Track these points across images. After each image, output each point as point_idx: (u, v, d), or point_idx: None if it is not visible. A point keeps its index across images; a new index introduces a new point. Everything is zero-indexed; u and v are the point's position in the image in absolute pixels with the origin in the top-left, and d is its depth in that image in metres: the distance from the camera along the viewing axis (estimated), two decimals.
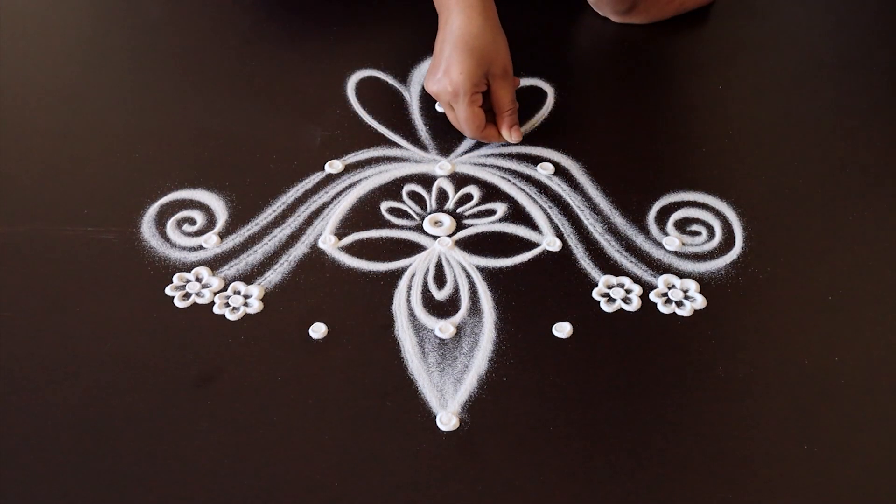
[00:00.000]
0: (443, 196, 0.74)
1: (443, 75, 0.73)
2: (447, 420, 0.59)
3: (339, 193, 0.74)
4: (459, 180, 0.75)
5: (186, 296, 0.66)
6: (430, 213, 0.72)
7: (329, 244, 0.70)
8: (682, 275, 0.68)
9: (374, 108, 0.81)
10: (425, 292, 0.67)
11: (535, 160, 0.77)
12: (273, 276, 0.68)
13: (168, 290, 0.66)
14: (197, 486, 0.56)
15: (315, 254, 0.69)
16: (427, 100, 0.82)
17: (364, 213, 0.72)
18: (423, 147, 0.78)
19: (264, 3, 0.93)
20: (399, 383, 0.61)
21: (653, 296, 0.67)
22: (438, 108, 0.81)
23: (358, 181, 0.75)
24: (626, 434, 0.59)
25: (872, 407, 0.61)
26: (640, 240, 0.71)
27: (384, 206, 0.73)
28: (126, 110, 0.81)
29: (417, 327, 0.64)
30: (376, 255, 0.69)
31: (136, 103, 0.82)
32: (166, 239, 0.70)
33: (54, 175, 0.75)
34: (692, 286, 0.67)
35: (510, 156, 0.77)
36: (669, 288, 0.67)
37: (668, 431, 0.59)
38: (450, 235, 0.71)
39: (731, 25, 0.93)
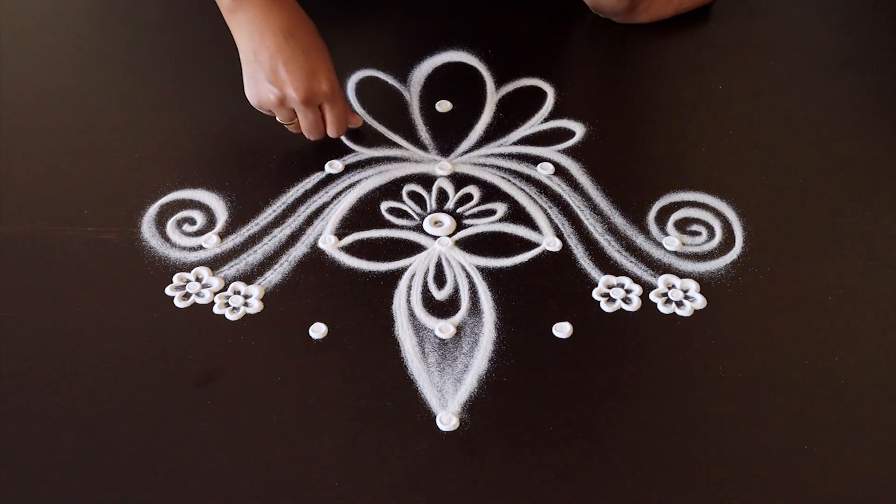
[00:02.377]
0: (443, 196, 0.74)
1: (312, 76, 0.70)
2: (447, 420, 0.59)
3: (339, 193, 0.74)
4: (459, 180, 0.75)
5: (186, 296, 0.66)
6: (430, 213, 0.72)
7: (329, 244, 0.70)
8: (682, 275, 0.68)
9: (374, 108, 0.81)
10: (425, 292, 0.67)
11: (535, 160, 0.77)
12: (273, 276, 0.68)
13: (168, 290, 0.66)
14: (197, 485, 0.56)
15: (315, 254, 0.69)
16: (427, 100, 0.82)
17: (364, 213, 0.72)
18: (423, 147, 0.78)
19: None
20: (399, 383, 0.61)
21: (653, 296, 0.67)
22: (439, 108, 0.81)
23: (358, 181, 0.75)
24: (626, 434, 0.59)
25: (872, 407, 0.61)
26: (640, 240, 0.71)
27: (384, 206, 0.73)
28: (126, 110, 0.81)
29: (417, 327, 0.64)
30: (376, 255, 0.69)
31: (136, 103, 0.82)
32: (166, 239, 0.70)
33: (54, 175, 0.75)
34: (692, 286, 0.67)
35: (510, 156, 0.77)
36: (669, 288, 0.67)
37: (668, 431, 0.59)
38: (450, 235, 0.71)
39: (731, 25, 0.92)
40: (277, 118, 0.74)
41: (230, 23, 0.71)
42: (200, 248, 0.69)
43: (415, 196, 0.74)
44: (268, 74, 0.70)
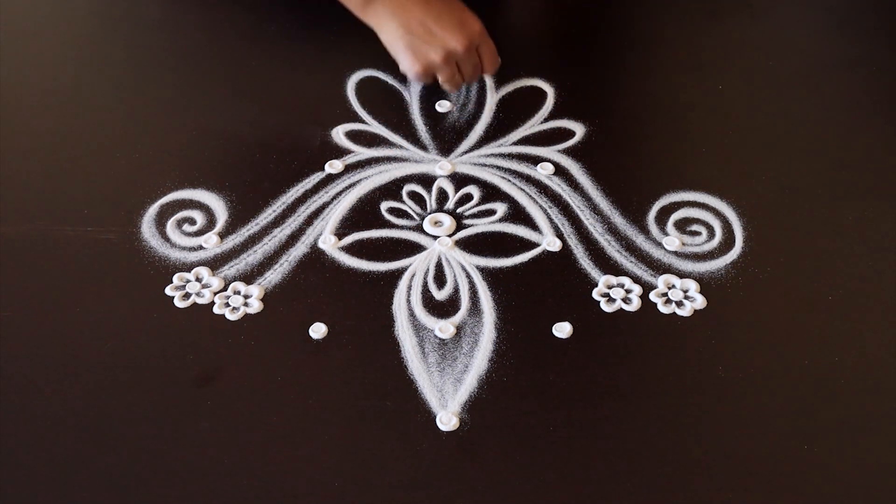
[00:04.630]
0: (443, 196, 0.74)
1: (463, 23, 0.76)
2: (447, 420, 0.59)
3: (339, 193, 0.74)
4: (459, 180, 0.75)
5: (186, 296, 0.66)
6: (430, 213, 0.72)
7: (329, 244, 0.70)
8: (682, 275, 0.68)
9: (374, 108, 0.81)
10: (425, 292, 0.67)
11: (535, 160, 0.77)
12: (273, 276, 0.68)
13: (168, 290, 0.66)
14: (197, 486, 0.56)
15: (315, 254, 0.69)
16: (427, 100, 0.82)
17: (364, 213, 0.72)
18: (423, 147, 0.78)
19: (264, 2, 0.93)
20: (399, 383, 0.61)
21: (653, 296, 0.67)
22: (439, 108, 0.81)
23: (358, 181, 0.75)
24: (626, 434, 0.59)
25: (872, 407, 0.61)
26: (640, 240, 0.71)
27: (384, 206, 0.73)
28: (126, 110, 0.81)
29: (417, 327, 0.64)
30: (376, 255, 0.69)
31: (136, 103, 0.82)
32: (166, 239, 0.70)
33: (54, 175, 0.75)
34: (692, 286, 0.67)
35: (510, 156, 0.77)
36: (669, 288, 0.67)
37: (668, 431, 0.59)
38: (450, 235, 0.71)
39: (731, 25, 0.93)
40: (440, 78, 0.78)
41: (365, 17, 0.79)
42: (200, 248, 0.69)
43: (415, 196, 0.74)
44: (425, 38, 0.75)
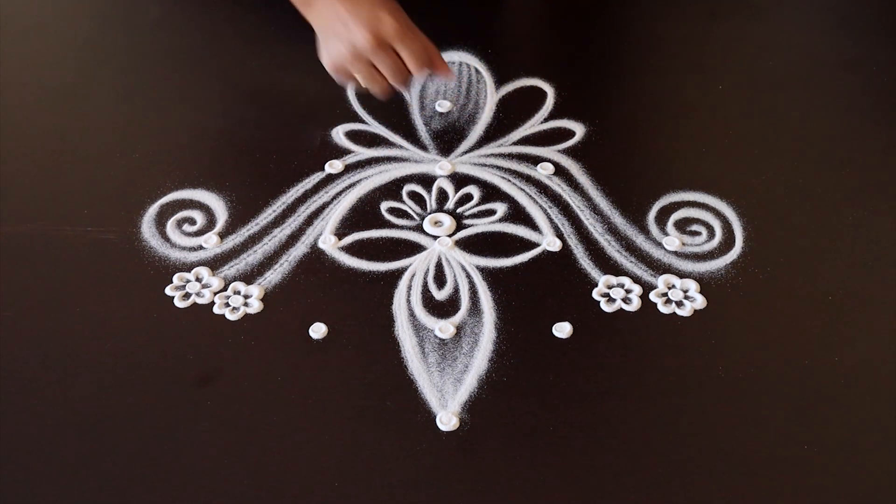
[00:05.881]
0: (443, 196, 0.74)
1: (376, 20, 0.72)
2: (447, 420, 0.59)
3: (339, 193, 0.74)
4: (459, 180, 0.75)
5: (186, 296, 0.66)
6: (430, 213, 0.72)
7: (329, 244, 0.70)
8: (682, 275, 0.68)
9: (374, 108, 0.81)
10: (425, 292, 0.67)
11: (535, 160, 0.77)
12: (273, 276, 0.68)
13: (168, 290, 0.66)
14: (197, 486, 0.56)
15: (315, 254, 0.69)
16: (427, 100, 0.82)
17: (364, 213, 0.72)
18: (423, 147, 0.78)
19: (264, 2, 0.93)
20: (399, 383, 0.61)
21: (653, 296, 0.67)
22: (438, 108, 0.81)
23: (358, 181, 0.75)
24: (626, 434, 0.59)
25: (872, 407, 0.61)
26: (640, 240, 0.71)
27: (384, 206, 0.73)
28: (126, 110, 0.81)
29: (417, 327, 0.64)
30: (376, 255, 0.69)
31: (136, 103, 0.82)
32: (166, 239, 0.70)
33: (54, 175, 0.75)
34: (692, 286, 0.67)
35: (510, 156, 0.77)
36: (669, 288, 0.67)
37: (668, 431, 0.59)
38: (450, 235, 0.71)
39: (731, 25, 0.93)
40: (360, 79, 0.76)
41: (309, 15, 0.77)
42: (200, 248, 0.69)
43: (415, 196, 0.74)
44: (339, 32, 0.73)
